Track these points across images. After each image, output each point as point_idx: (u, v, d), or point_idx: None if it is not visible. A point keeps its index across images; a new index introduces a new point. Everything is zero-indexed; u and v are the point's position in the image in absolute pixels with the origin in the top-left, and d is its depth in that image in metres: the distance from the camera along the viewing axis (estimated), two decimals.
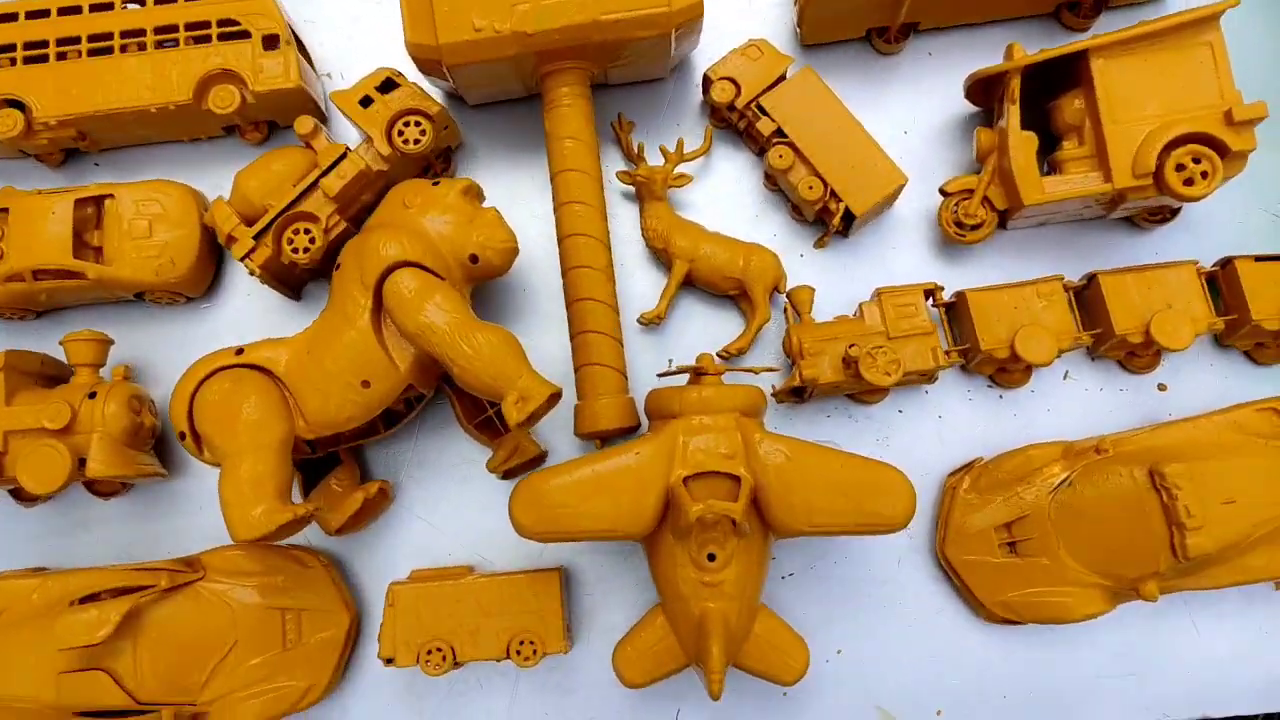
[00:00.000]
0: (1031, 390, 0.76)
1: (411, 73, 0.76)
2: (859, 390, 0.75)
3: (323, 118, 0.83)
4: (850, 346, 0.69)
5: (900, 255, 0.79)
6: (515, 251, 0.71)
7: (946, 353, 0.72)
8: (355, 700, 0.74)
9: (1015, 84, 0.72)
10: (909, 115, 0.81)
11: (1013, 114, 0.71)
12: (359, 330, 0.67)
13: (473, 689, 0.74)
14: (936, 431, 0.76)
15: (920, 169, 0.80)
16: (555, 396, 0.64)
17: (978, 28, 0.81)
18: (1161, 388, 0.75)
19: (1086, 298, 0.74)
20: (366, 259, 0.68)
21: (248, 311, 0.80)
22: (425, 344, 0.66)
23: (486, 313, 0.79)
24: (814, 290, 0.75)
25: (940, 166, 0.80)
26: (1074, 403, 0.75)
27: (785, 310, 0.74)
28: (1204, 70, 0.68)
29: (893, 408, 0.76)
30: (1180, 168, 0.67)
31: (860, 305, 0.72)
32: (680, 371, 0.70)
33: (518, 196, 0.81)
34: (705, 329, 0.79)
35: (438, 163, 0.81)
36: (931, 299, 0.74)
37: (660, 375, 0.70)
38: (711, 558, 0.65)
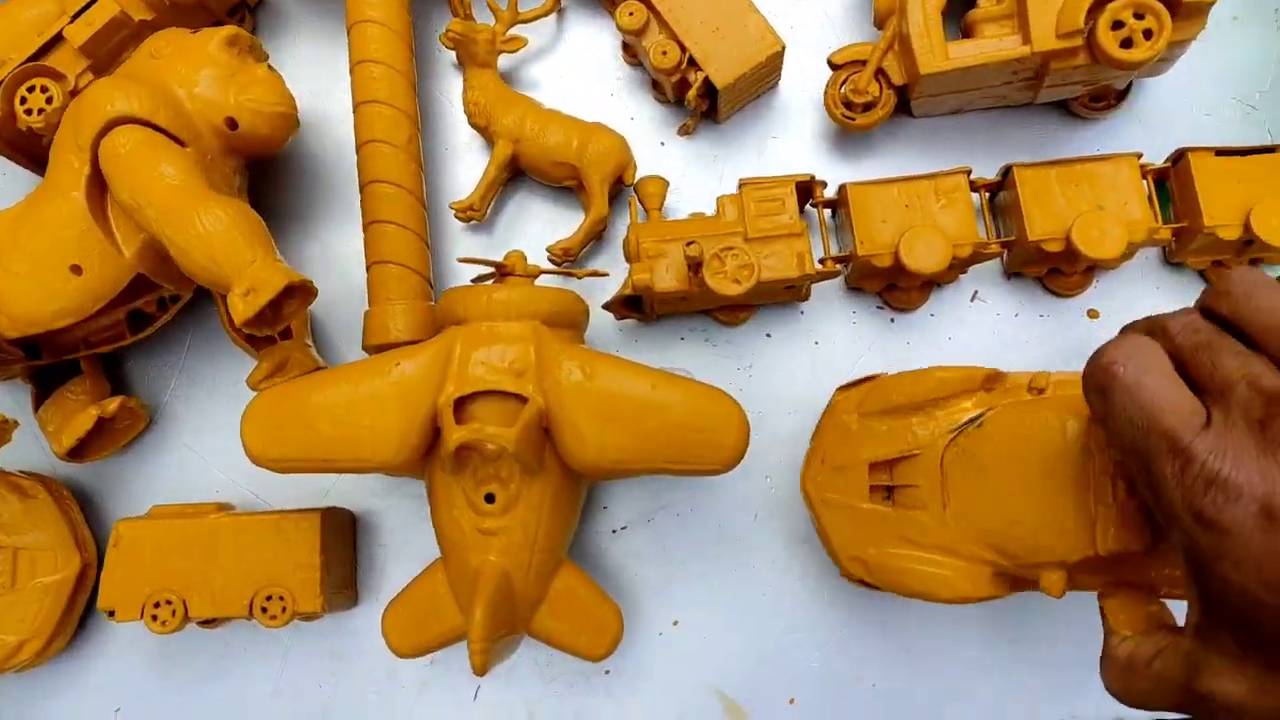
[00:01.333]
0: (931, 314, 0.61)
1: None
2: (711, 305, 0.61)
3: None
4: (689, 244, 0.55)
5: (785, 146, 0.64)
6: (286, 118, 0.58)
7: (821, 260, 0.58)
8: (96, 663, 0.61)
9: None
10: None
11: None
12: (70, 202, 0.54)
13: (235, 652, 0.61)
14: (810, 360, 0.61)
15: (816, 38, 0.65)
16: (300, 289, 0.51)
17: None
18: (1092, 314, 0.60)
19: (1001, 200, 0.59)
20: (84, 113, 0.54)
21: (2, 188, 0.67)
22: (142, 219, 0.52)
23: (277, 206, 0.66)
24: (666, 183, 0.61)
25: (843, 34, 0.65)
26: (983, 330, 0.61)
27: (630, 206, 0.60)
28: None
29: (759, 330, 0.62)
30: (1118, 25, 0.52)
31: (719, 199, 0.58)
32: (480, 262, 0.56)
33: (331, 68, 0.67)
34: (543, 228, 0.65)
35: (230, 22, 0.67)
36: (810, 196, 0.60)
37: (460, 260, 0.56)
38: (490, 499, 0.51)
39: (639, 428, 0.50)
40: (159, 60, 0.57)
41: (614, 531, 0.61)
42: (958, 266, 0.57)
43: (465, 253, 0.65)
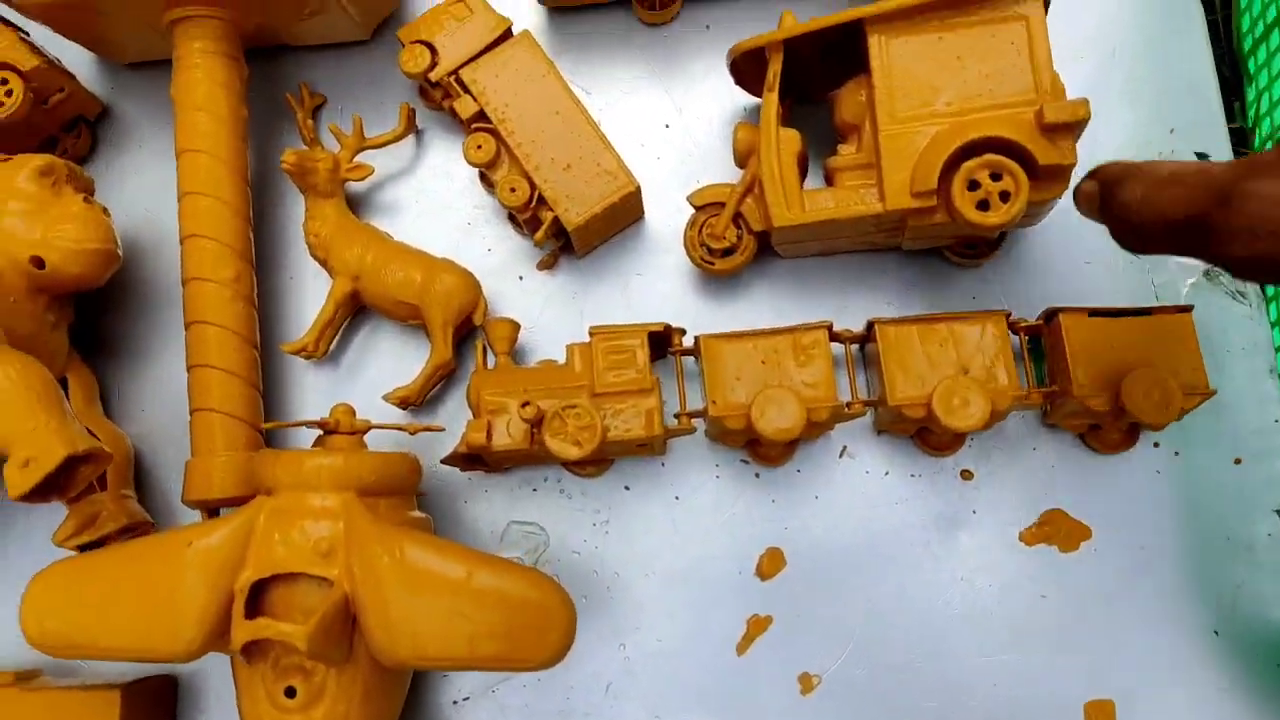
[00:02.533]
0: (798, 470, 0.57)
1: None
2: (555, 461, 0.57)
3: None
4: (524, 405, 0.51)
5: (651, 283, 0.61)
6: (100, 254, 0.54)
7: (676, 416, 0.54)
8: None
9: (776, 63, 0.53)
10: (672, 104, 0.63)
11: (769, 104, 0.53)
12: None
13: None
14: (670, 517, 0.57)
15: (683, 174, 0.62)
16: (87, 458, 0.46)
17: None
18: (966, 475, 0.56)
19: (869, 353, 0.56)
20: None
21: None
22: None
23: (108, 335, 0.61)
24: (516, 325, 0.57)
25: (711, 170, 0.62)
26: (852, 488, 0.57)
27: (477, 349, 0.56)
28: (1014, 53, 0.50)
29: (617, 483, 0.58)
30: (973, 186, 0.49)
31: (568, 348, 0.54)
32: (294, 425, 0.52)
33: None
34: (398, 369, 0.60)
35: (67, 139, 0.63)
36: (669, 343, 0.56)
37: (264, 427, 0.52)
38: (290, 693, 0.47)
39: (451, 621, 0.45)
40: None
41: (455, 703, 0.56)
42: (821, 425, 0.53)
43: (308, 390, 0.60)
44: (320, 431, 0.52)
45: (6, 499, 0.58)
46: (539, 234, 0.56)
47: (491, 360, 0.56)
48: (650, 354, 0.53)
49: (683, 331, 0.56)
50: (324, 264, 0.59)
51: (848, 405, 0.53)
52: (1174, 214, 0.37)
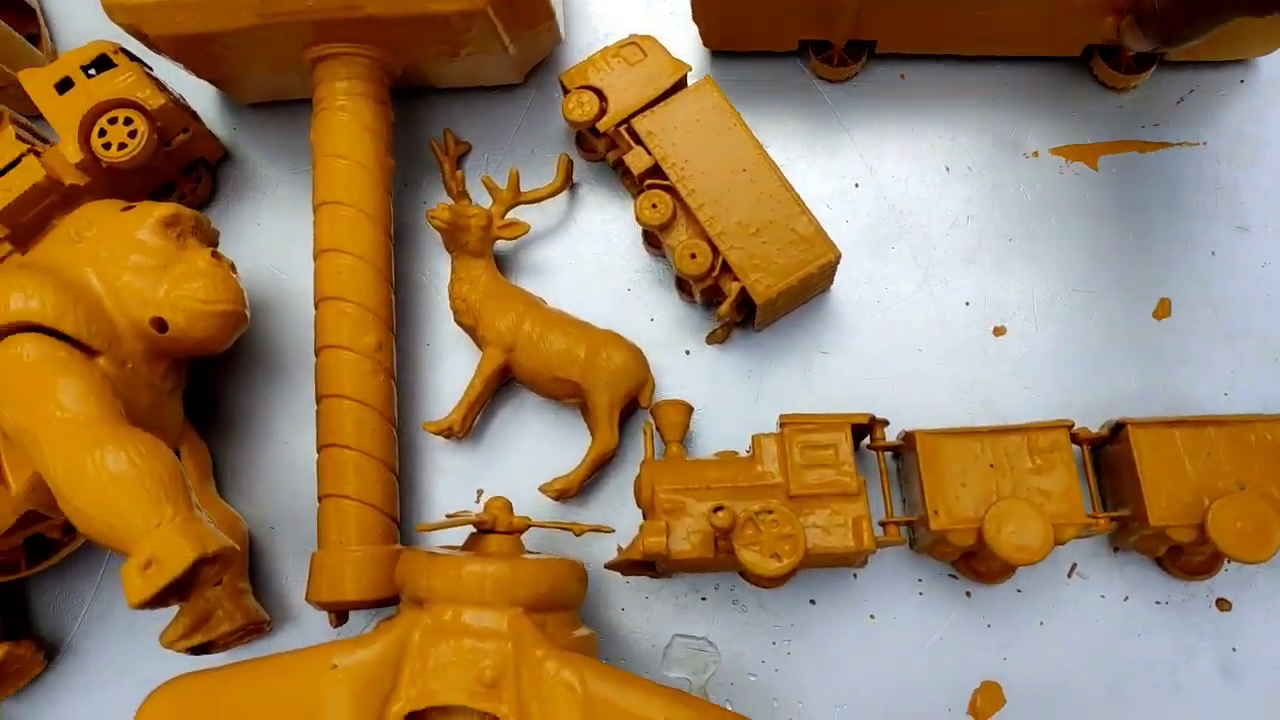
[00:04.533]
0: (1018, 590, 0.49)
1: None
2: (735, 569, 0.49)
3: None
4: (715, 510, 0.43)
5: (839, 366, 0.53)
6: (229, 316, 0.47)
7: (883, 524, 0.46)
8: None
9: None
10: (861, 162, 0.56)
11: None
12: None
13: None
14: (864, 639, 0.49)
15: (875, 238, 0.54)
16: (217, 559, 0.39)
17: (972, 62, 0.56)
18: (1223, 605, 0.48)
19: (1108, 456, 0.47)
20: None
21: None
22: (28, 451, 0.41)
23: (232, 402, 0.55)
24: (690, 409, 0.49)
25: (907, 234, 0.54)
26: (1083, 614, 0.48)
27: (645, 435, 0.48)
28: None
29: (801, 595, 0.50)
30: None
31: (755, 440, 0.46)
32: (454, 525, 0.45)
33: (302, 238, 0.56)
34: (547, 450, 0.53)
35: (186, 182, 0.57)
36: (868, 438, 0.48)
37: (421, 529, 0.45)
38: None
39: None
40: (79, 244, 0.48)
41: None
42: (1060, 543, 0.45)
43: (441, 474, 0.53)
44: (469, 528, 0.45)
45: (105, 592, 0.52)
46: (724, 307, 0.49)
47: (659, 448, 0.49)
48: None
49: (885, 423, 0.48)
50: (471, 331, 0.52)
51: (1092, 523, 0.45)
52: None
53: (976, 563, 0.49)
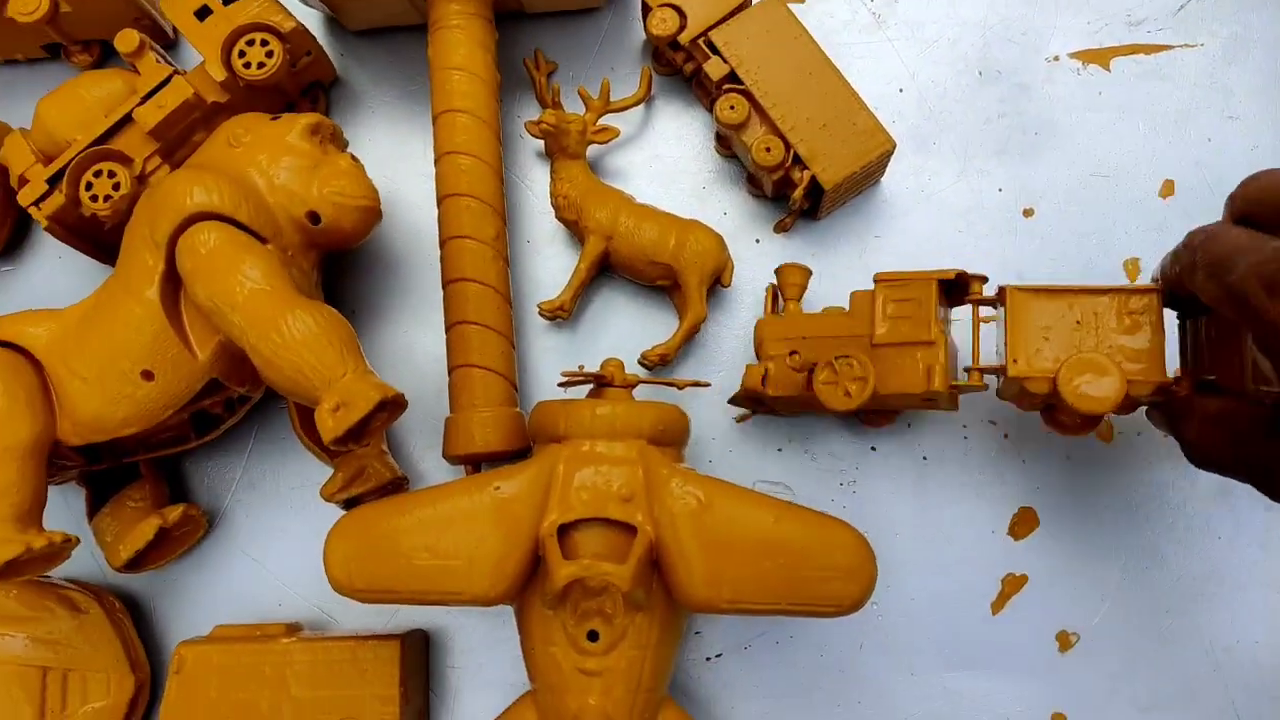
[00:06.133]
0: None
1: None
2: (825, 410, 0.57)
3: (169, 41, 0.66)
4: (792, 354, 0.51)
5: (892, 247, 0.61)
6: (370, 211, 0.54)
7: (968, 370, 0.52)
8: None
9: None
10: (904, 69, 0.63)
11: None
12: (143, 304, 0.50)
13: None
14: (918, 477, 0.57)
15: (917, 136, 0.62)
16: (392, 404, 0.47)
17: None
18: None
19: (1205, 330, 0.50)
20: (160, 207, 0.51)
21: (61, 276, 0.63)
22: (221, 322, 0.49)
23: (356, 301, 0.62)
24: (809, 272, 0.56)
25: (943, 133, 0.62)
26: (1109, 450, 0.57)
27: (766, 296, 0.56)
28: None
29: (864, 443, 0.58)
30: None
31: (853, 295, 0.53)
32: (579, 381, 0.52)
33: (409, 152, 0.64)
34: (630, 328, 0.61)
35: (304, 103, 0.64)
36: (964, 293, 0.53)
37: (561, 384, 0.53)
38: (593, 637, 0.47)
39: (759, 565, 0.46)
40: (237, 149, 0.54)
41: (708, 660, 0.56)
42: (1139, 401, 0.50)
43: (546, 352, 0.61)
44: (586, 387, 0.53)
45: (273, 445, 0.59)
46: (797, 192, 0.57)
47: (771, 306, 0.57)
48: (946, 303, 0.52)
49: (984, 279, 0.53)
50: (572, 225, 0.60)
51: (1175, 383, 0.48)
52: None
53: (1059, 414, 0.52)
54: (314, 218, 0.53)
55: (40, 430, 0.50)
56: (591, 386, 0.53)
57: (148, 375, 0.51)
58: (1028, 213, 0.60)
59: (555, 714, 0.48)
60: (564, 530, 0.47)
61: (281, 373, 0.47)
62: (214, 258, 0.49)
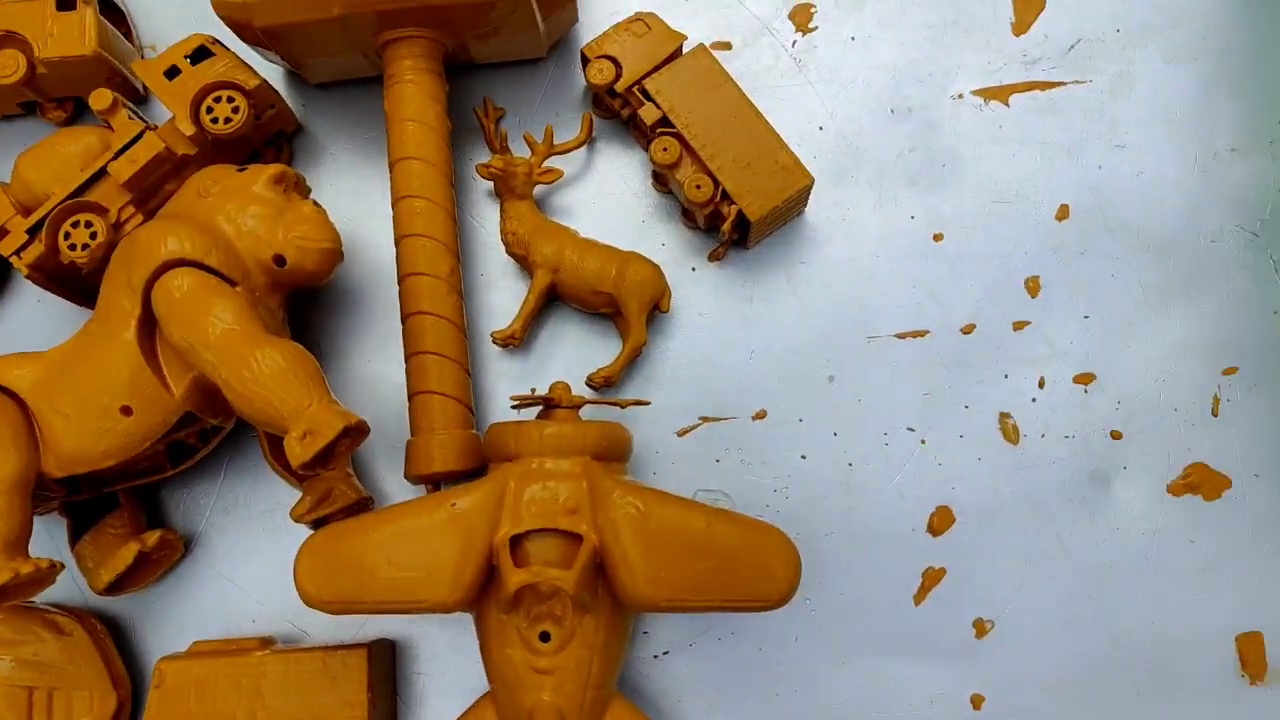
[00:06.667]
0: (960, 435, 0.63)
1: (238, 44, 0.64)
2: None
3: (138, 98, 0.71)
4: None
5: (815, 273, 0.66)
6: (332, 253, 0.59)
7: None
8: None
9: None
10: (824, 107, 0.69)
11: None
12: (121, 344, 0.55)
13: None
14: (845, 483, 0.63)
15: (836, 170, 0.68)
16: (355, 430, 0.51)
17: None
18: (1115, 435, 0.63)
19: None
20: (136, 256, 0.55)
21: (38, 320, 0.67)
22: (196, 360, 0.53)
23: (321, 336, 0.66)
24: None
25: (862, 168, 0.68)
26: (1008, 452, 0.63)
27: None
28: None
29: (794, 450, 0.63)
30: None
31: None
32: (530, 403, 0.57)
33: (367, 196, 0.68)
34: (578, 353, 0.66)
35: (268, 152, 0.69)
36: None
37: (513, 406, 0.58)
38: (545, 638, 0.52)
39: (695, 566, 0.51)
40: (206, 199, 0.59)
41: (655, 657, 0.61)
42: None
43: (499, 377, 0.66)
44: (536, 408, 0.58)
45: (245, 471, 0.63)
46: (725, 225, 0.62)
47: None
48: None
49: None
50: (522, 259, 0.64)
51: None
52: None
53: None
54: (279, 260, 0.58)
55: (25, 465, 0.54)
56: (541, 408, 0.58)
57: (126, 411, 0.55)
58: (938, 237, 0.66)
59: (512, 711, 0.52)
60: (516, 541, 0.51)
61: (252, 405, 0.51)
62: (187, 301, 0.53)
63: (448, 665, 0.61)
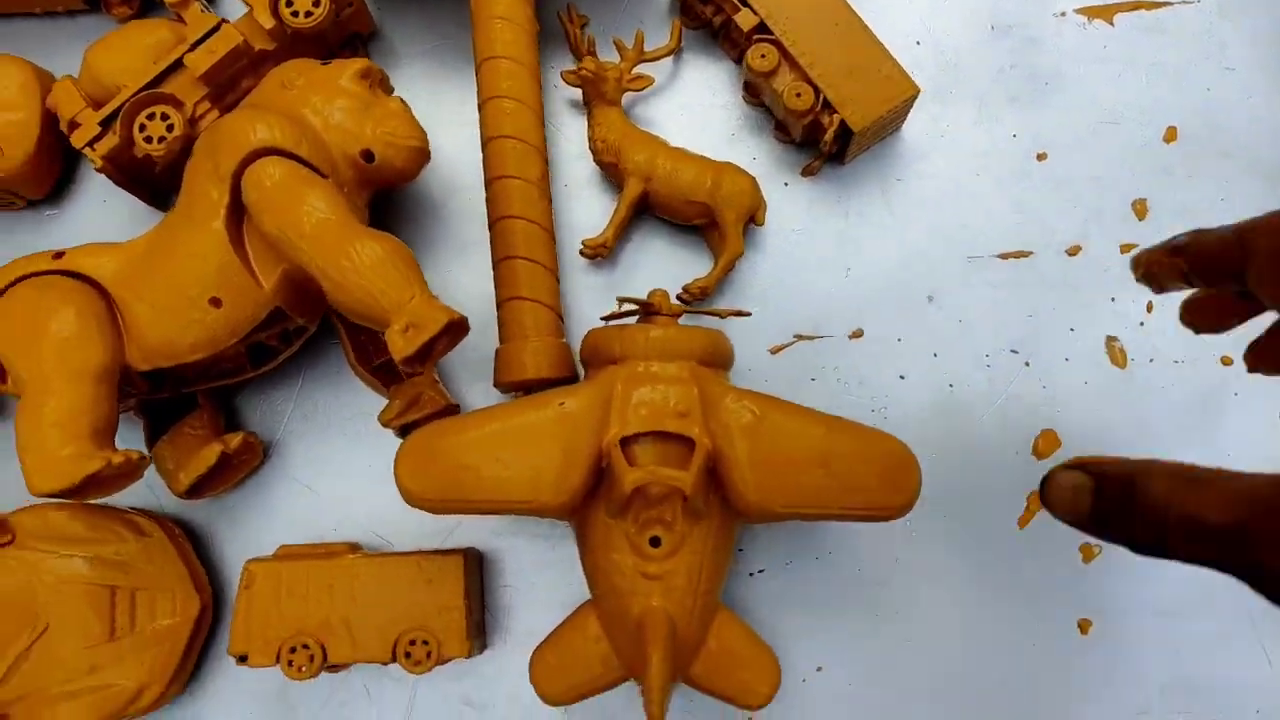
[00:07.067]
0: (1065, 358, 0.61)
1: None
2: None
3: None
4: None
5: (912, 189, 0.64)
6: (421, 151, 0.56)
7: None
8: (209, 707, 0.58)
9: None
10: (921, 23, 0.66)
11: None
12: (210, 233, 0.52)
13: (358, 697, 0.58)
14: (943, 405, 0.61)
15: (934, 86, 0.65)
16: (457, 326, 0.49)
17: None
18: (1226, 361, 0.61)
19: None
20: (223, 143, 0.52)
21: (104, 220, 0.65)
22: (290, 251, 0.50)
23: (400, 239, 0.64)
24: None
25: (958, 83, 0.65)
26: (1118, 375, 0.61)
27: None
28: None
29: (893, 371, 0.61)
30: None
31: None
32: (626, 314, 0.55)
33: (445, 104, 0.66)
34: (665, 267, 0.64)
35: (344, 53, 0.66)
36: None
37: (604, 318, 0.56)
38: (655, 542, 0.50)
39: (812, 474, 0.49)
40: (291, 91, 0.56)
41: (751, 575, 0.59)
42: None
43: (585, 290, 0.63)
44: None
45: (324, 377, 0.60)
46: (827, 135, 0.60)
47: None
48: None
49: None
50: (611, 168, 0.62)
51: None
52: (1210, 518, 0.32)
53: None
54: (368, 156, 0.55)
55: (112, 354, 0.52)
56: (639, 316, 0.55)
57: (215, 302, 0.52)
58: (1041, 157, 0.64)
59: (619, 617, 0.51)
60: (624, 445, 0.50)
61: (352, 295, 0.49)
62: (280, 190, 0.51)
63: (536, 579, 0.60)
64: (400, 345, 0.48)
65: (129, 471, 0.50)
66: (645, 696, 0.46)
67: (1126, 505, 0.35)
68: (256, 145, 0.52)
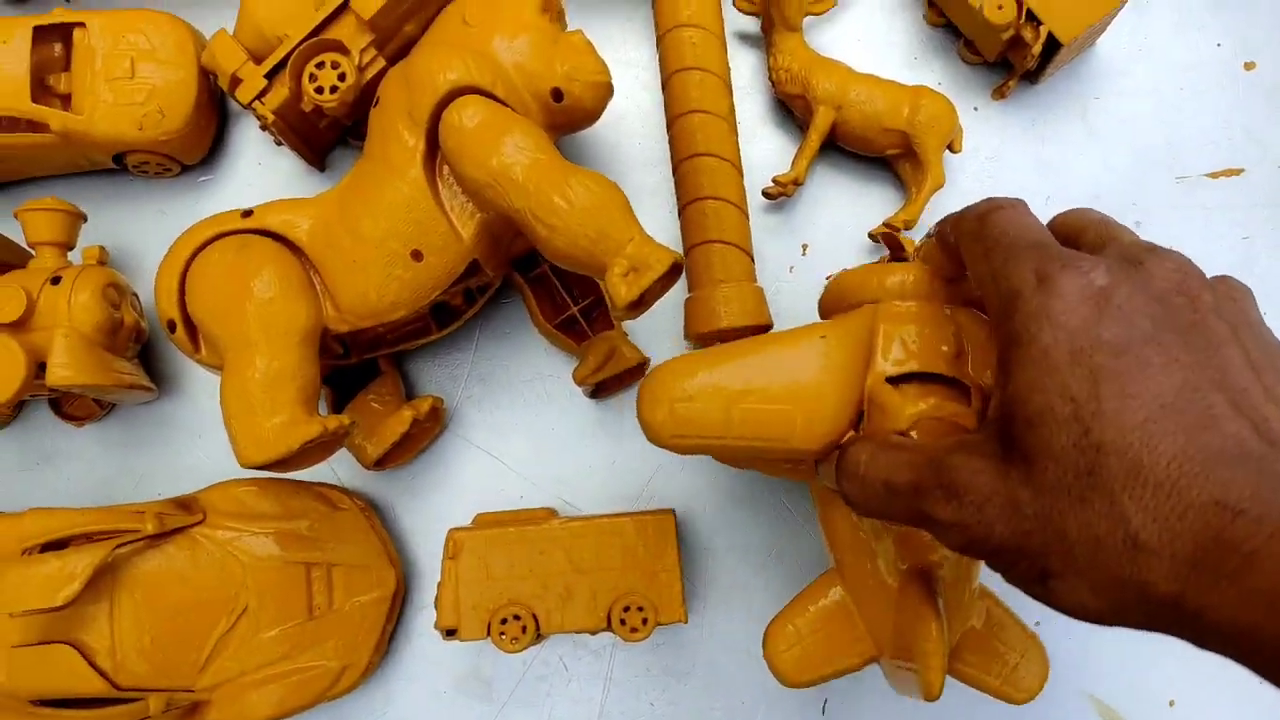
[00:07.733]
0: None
1: None
2: None
3: None
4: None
5: (1112, 109, 0.60)
6: (608, 87, 0.53)
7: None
8: (399, 685, 0.56)
9: None
10: None
11: None
12: (408, 182, 0.49)
13: (554, 671, 0.56)
14: None
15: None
16: (677, 267, 0.46)
17: None
18: None
19: None
20: (416, 85, 0.49)
21: (260, 184, 0.62)
22: (498, 197, 0.47)
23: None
24: None
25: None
26: None
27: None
28: None
29: None
30: None
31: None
32: (893, 242, 0.50)
33: (608, 39, 0.62)
34: (845, 206, 0.60)
35: None
36: None
37: (872, 234, 0.53)
38: None
39: None
40: (473, 28, 0.53)
41: None
42: None
43: (763, 232, 0.60)
44: None
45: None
46: (1034, 48, 0.56)
47: None
48: None
49: None
50: (796, 99, 0.58)
51: None
52: (896, 478, 0.38)
53: None
54: (557, 95, 0.52)
55: (315, 316, 0.49)
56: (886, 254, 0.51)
57: (417, 255, 0.50)
58: (1249, 66, 0.60)
59: (878, 585, 0.47)
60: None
61: (567, 238, 0.46)
62: (483, 130, 0.48)
63: (732, 540, 0.57)
64: (622, 291, 0.45)
65: (340, 438, 0.47)
66: (920, 663, 0.43)
67: (841, 468, 0.41)
68: (452, 85, 0.49)
